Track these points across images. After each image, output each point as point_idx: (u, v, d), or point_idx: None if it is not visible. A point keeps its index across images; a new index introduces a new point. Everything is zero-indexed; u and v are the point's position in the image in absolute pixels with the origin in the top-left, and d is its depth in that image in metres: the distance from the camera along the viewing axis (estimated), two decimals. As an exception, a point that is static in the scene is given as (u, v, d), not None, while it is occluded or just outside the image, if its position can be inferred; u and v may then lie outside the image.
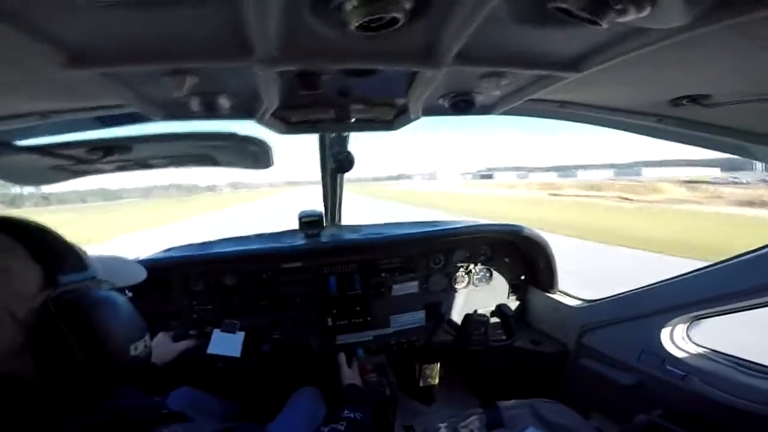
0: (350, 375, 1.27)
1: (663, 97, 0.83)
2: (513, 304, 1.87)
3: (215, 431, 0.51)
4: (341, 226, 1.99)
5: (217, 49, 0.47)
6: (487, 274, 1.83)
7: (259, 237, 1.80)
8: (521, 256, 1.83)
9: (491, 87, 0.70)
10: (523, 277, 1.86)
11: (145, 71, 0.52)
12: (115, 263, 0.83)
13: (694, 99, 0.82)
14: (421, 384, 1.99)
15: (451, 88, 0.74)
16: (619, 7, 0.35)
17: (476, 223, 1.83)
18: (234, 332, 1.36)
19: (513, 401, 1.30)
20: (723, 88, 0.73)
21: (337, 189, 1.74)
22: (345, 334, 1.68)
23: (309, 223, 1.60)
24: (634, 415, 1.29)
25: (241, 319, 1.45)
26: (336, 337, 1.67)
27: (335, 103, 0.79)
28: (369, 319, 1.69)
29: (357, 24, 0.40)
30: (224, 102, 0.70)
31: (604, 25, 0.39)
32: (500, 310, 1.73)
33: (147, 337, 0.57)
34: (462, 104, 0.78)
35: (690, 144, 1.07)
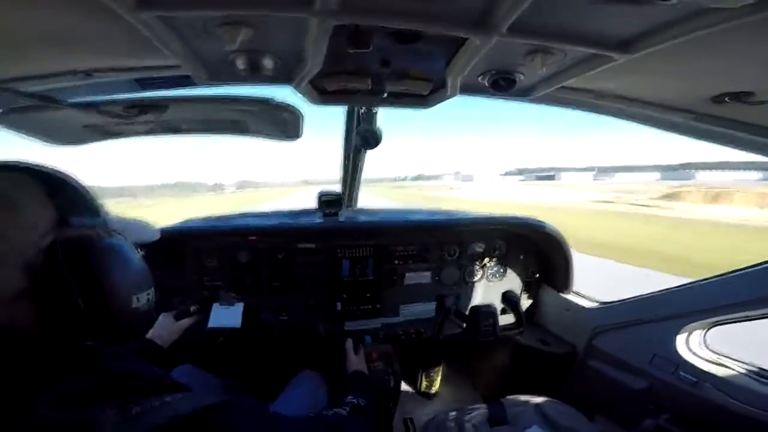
0: (357, 362, 1.27)
1: (704, 93, 0.82)
2: (525, 302, 1.87)
3: (217, 403, 0.48)
4: (358, 209, 2.00)
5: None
6: (501, 270, 1.83)
7: (277, 214, 1.82)
8: (537, 253, 1.83)
9: (535, 65, 0.70)
10: (537, 275, 1.85)
11: (205, 17, 0.53)
12: (130, 222, 0.84)
13: (737, 96, 0.81)
14: (422, 388, 2.00)
15: (493, 65, 0.75)
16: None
17: (493, 215, 1.82)
18: (233, 304, 1.37)
19: (517, 398, 1.31)
20: (766, 84, 0.72)
21: (357, 169, 1.75)
22: (353, 321, 1.69)
23: (328, 202, 1.62)
24: (642, 420, 1.29)
25: (251, 299, 1.46)
26: (344, 322, 1.68)
27: (374, 73, 0.80)
28: (379, 306, 1.70)
29: None
30: (268, 63, 0.71)
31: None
32: (506, 297, 1.73)
33: (151, 291, 0.56)
34: (502, 82, 0.78)
35: (726, 145, 1.05)
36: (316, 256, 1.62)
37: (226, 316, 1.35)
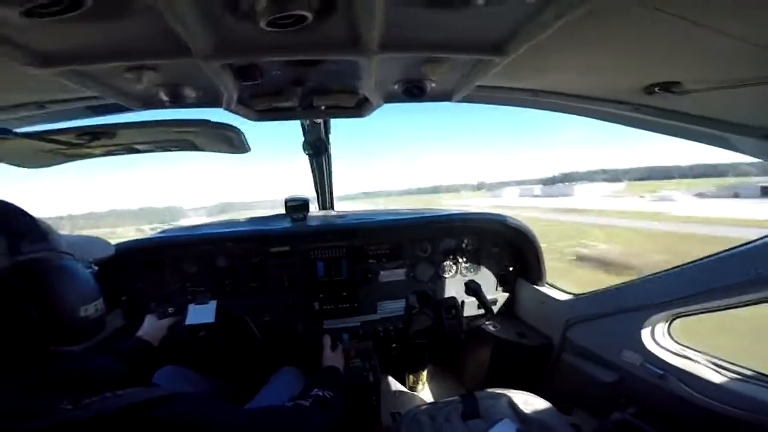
0: (331, 357, 1.35)
1: (634, 85, 0.87)
2: (501, 295, 1.94)
3: (164, 395, 0.59)
4: (332, 212, 2.10)
5: (161, 49, 0.57)
6: (475, 264, 1.90)
7: (249, 221, 1.94)
8: (510, 247, 1.89)
9: (436, 73, 0.77)
10: (511, 269, 1.92)
11: (108, 68, 0.63)
12: (83, 241, 0.94)
13: (666, 87, 0.85)
14: (409, 384, 2.10)
15: (400, 76, 0.82)
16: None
17: (461, 212, 1.89)
18: (206, 303, 1.54)
19: (492, 391, 1.36)
20: (692, 75, 0.77)
21: (324, 174, 1.85)
22: (332, 320, 1.80)
23: (294, 207, 1.72)
24: (612, 413, 1.32)
25: (231, 301, 1.60)
26: (323, 321, 1.79)
27: (295, 92, 0.89)
28: (356, 305, 1.80)
29: (267, 21, 0.49)
30: (189, 92, 0.82)
31: None
32: (468, 287, 1.78)
33: (99, 302, 0.67)
34: (415, 90, 0.86)
35: (667, 134, 1.09)
36: (290, 258, 1.73)
37: (201, 313, 1.52)
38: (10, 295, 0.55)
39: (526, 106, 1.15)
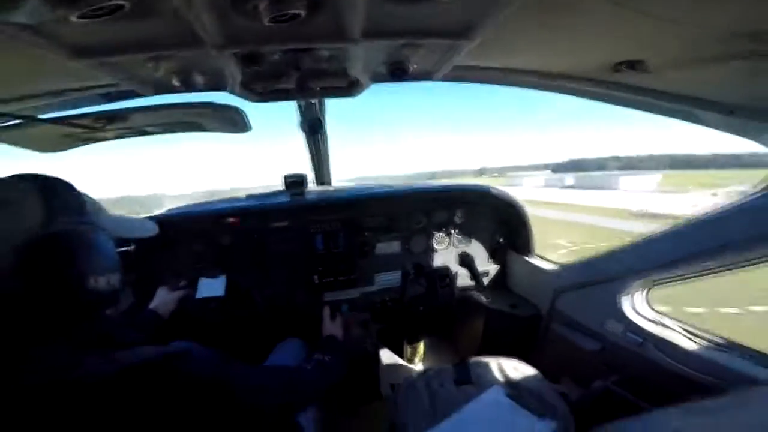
0: (331, 327, 1.42)
1: (602, 63, 0.95)
2: (493, 267, 2.07)
3: (180, 351, 0.70)
4: (329, 187, 2.22)
5: (179, 41, 0.69)
6: (467, 236, 2.02)
7: (248, 197, 2.05)
8: (498, 219, 2.00)
9: (415, 55, 0.89)
10: (501, 240, 2.03)
11: (132, 59, 0.75)
12: (126, 220, 0.99)
13: (631, 65, 0.93)
14: (408, 356, 2.25)
15: (385, 59, 0.93)
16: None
17: (450, 184, 2.00)
18: (216, 277, 1.69)
19: (483, 359, 1.42)
20: (655, 54, 0.85)
21: (321, 152, 1.96)
22: (331, 292, 1.93)
23: (293, 183, 1.84)
24: (593, 381, 1.36)
25: (237, 276, 1.73)
26: (323, 293, 1.93)
27: (293, 75, 1.00)
28: (353, 277, 1.93)
29: (269, 18, 0.61)
30: (198, 78, 0.93)
31: None
32: (462, 258, 1.89)
33: (113, 276, 0.70)
34: (399, 72, 0.97)
35: (641, 110, 1.17)
36: (290, 232, 1.85)
37: (212, 287, 1.66)
38: (36, 263, 0.60)
39: (502, 84, 1.24)
